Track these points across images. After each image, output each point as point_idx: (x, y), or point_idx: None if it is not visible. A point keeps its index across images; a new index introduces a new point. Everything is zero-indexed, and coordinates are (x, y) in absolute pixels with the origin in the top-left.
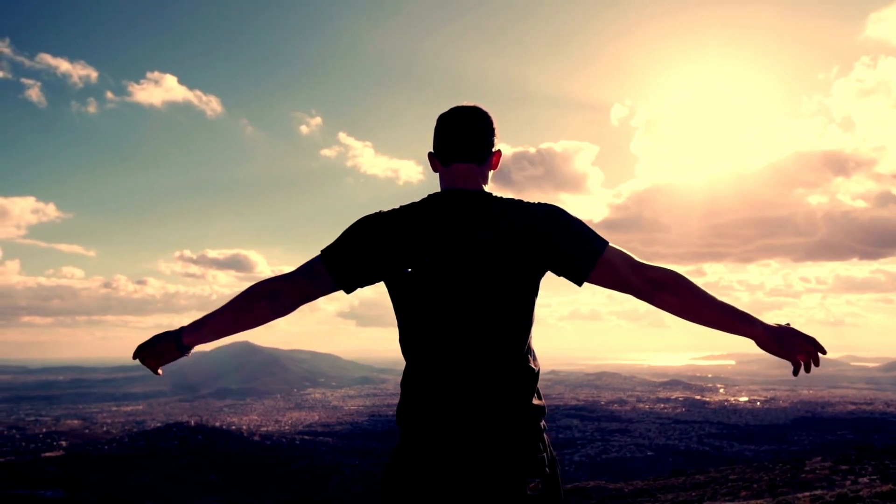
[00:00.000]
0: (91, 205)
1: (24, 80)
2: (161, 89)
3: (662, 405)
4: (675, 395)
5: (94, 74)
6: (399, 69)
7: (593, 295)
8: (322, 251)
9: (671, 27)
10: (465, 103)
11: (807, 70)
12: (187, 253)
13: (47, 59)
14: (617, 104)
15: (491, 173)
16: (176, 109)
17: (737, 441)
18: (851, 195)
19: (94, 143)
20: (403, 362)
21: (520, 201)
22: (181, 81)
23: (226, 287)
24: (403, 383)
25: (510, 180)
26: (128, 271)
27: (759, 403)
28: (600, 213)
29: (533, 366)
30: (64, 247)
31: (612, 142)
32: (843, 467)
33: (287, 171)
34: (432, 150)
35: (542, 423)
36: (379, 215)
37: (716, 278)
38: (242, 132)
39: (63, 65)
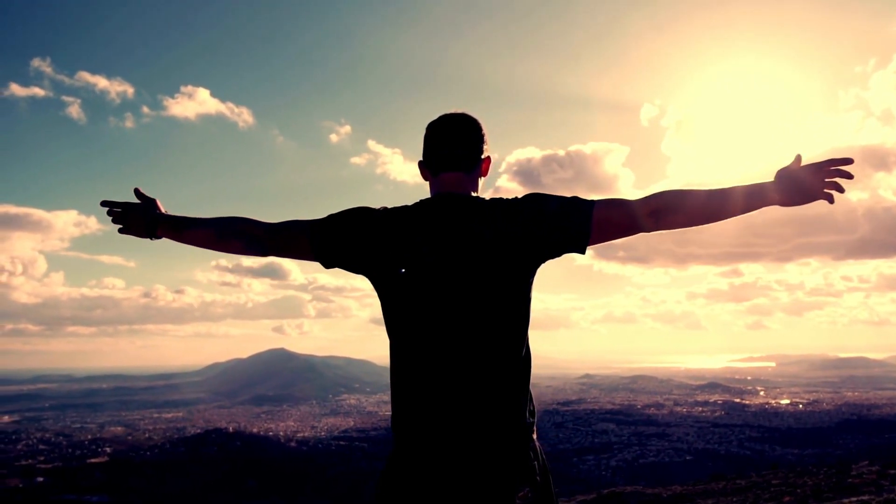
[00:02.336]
0: None
1: (65, 98)
2: (194, 102)
3: (701, 408)
4: (713, 398)
5: (130, 90)
6: (426, 75)
7: (627, 297)
8: (311, 223)
9: (701, 25)
10: (454, 111)
11: (842, 64)
12: (223, 262)
13: (86, 76)
14: (647, 104)
15: (481, 180)
16: (209, 122)
17: (779, 445)
18: (894, 190)
19: (131, 157)
20: None
21: (503, 199)
22: (214, 94)
23: (261, 295)
24: (395, 386)
25: (540, 183)
26: (166, 281)
27: (801, 406)
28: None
29: (527, 370)
30: (105, 258)
31: (642, 142)
32: (892, 472)
33: (317, 179)
34: (422, 160)
35: (534, 429)
36: (373, 210)
37: (753, 278)
38: (274, 142)
39: (101, 82)
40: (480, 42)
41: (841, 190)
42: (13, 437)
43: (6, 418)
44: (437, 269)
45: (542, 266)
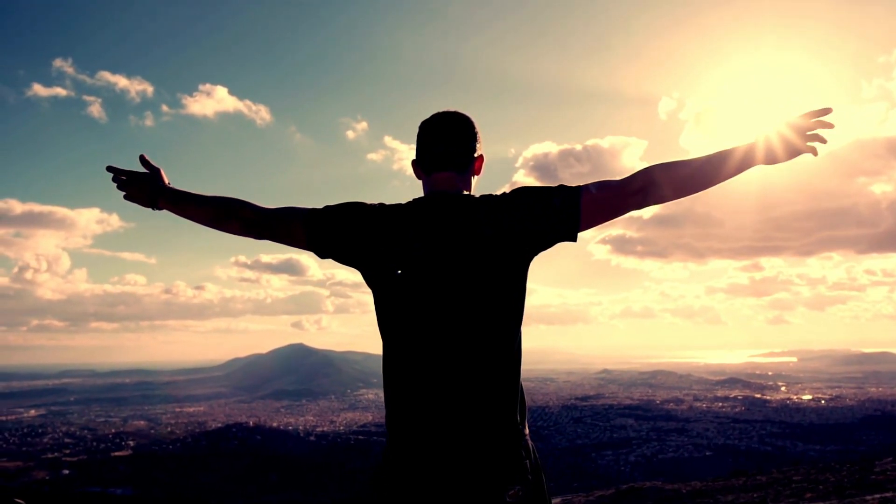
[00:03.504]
0: (151, 214)
1: (86, 97)
2: (213, 100)
3: (721, 404)
4: (733, 393)
5: (150, 89)
6: (442, 70)
7: (646, 292)
8: (307, 212)
9: (720, 18)
10: (447, 109)
11: (865, 54)
12: (242, 258)
13: (107, 76)
14: (665, 97)
15: (475, 179)
16: (227, 119)
17: (800, 441)
18: None
19: (151, 155)
20: None
21: (493, 196)
22: (232, 92)
23: (280, 291)
24: (387, 384)
25: (557, 178)
26: (187, 277)
27: (823, 402)
28: (650, 209)
29: (518, 367)
30: (127, 255)
31: (660, 136)
32: None
33: (335, 175)
34: (415, 159)
35: (526, 427)
36: (369, 205)
37: (774, 272)
38: (291, 139)
39: (121, 81)
40: (497, 37)
41: (823, 141)
42: (40, 430)
43: (33, 412)
44: (429, 265)
45: (561, 262)
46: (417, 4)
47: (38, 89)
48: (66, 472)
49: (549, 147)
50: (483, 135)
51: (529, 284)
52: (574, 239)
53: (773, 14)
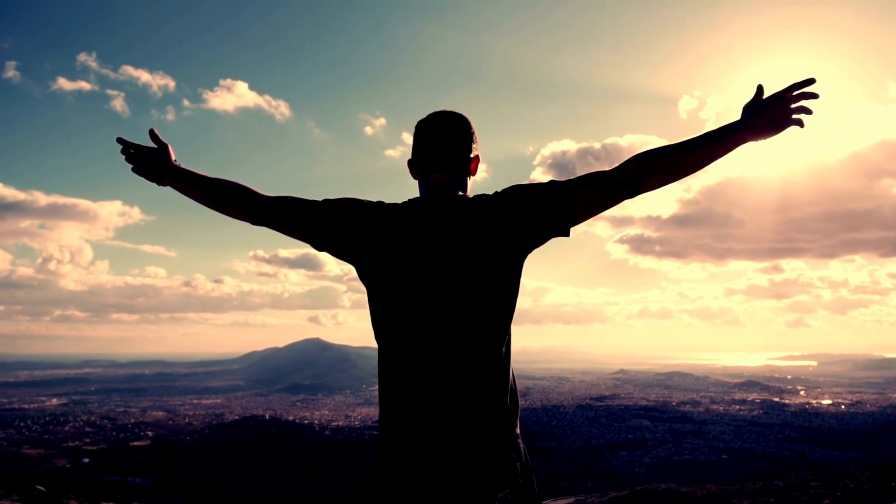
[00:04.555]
0: (172, 208)
1: (109, 92)
2: (233, 95)
3: (738, 407)
4: (751, 396)
5: (171, 84)
6: (461, 66)
7: (663, 292)
8: (306, 204)
9: (745, 15)
10: (443, 109)
11: (891, 53)
12: (260, 253)
13: (129, 70)
14: (686, 96)
15: (470, 180)
16: (247, 114)
17: (819, 446)
18: None
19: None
20: None
21: (486, 195)
22: (252, 87)
23: (297, 285)
24: (381, 383)
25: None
26: (206, 271)
27: (843, 407)
28: (669, 209)
29: (509, 366)
30: (148, 248)
31: (680, 135)
32: None
33: (353, 171)
34: (411, 159)
35: (517, 430)
36: (366, 202)
37: (795, 275)
38: (310, 134)
39: (144, 76)
40: (516, 34)
41: (809, 112)
42: (61, 419)
43: (54, 401)
44: (423, 262)
45: (578, 261)
46: (437, 0)
47: (63, 83)
48: (87, 460)
49: (568, 145)
50: (501, 132)
51: (544, 282)
52: (567, 233)
53: (797, 16)
